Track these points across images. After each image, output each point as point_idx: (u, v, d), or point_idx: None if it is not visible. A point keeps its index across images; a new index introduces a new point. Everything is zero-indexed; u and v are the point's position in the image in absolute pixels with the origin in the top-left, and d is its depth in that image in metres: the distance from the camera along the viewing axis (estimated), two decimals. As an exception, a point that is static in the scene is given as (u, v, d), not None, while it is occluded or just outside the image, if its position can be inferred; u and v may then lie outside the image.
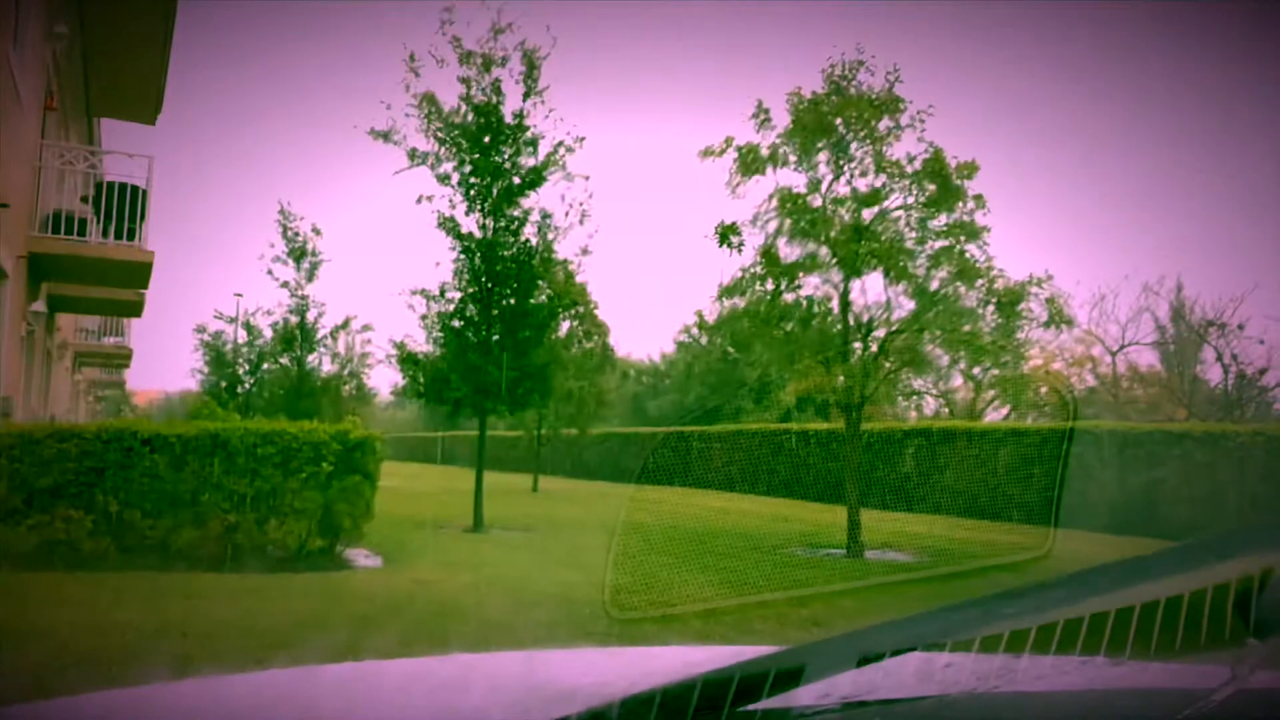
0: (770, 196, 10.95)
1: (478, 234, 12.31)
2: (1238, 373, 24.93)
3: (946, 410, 28.71)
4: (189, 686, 1.39)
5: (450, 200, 12.25)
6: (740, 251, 11.08)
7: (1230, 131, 41.16)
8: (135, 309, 15.47)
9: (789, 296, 11.03)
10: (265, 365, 23.89)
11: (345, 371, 24.10)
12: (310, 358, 22.57)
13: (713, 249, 11.13)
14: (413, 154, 12.11)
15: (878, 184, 10.87)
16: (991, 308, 10.37)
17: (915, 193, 10.74)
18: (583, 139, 12.33)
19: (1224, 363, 25.25)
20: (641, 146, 72.89)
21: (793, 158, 11.03)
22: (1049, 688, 0.99)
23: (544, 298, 12.70)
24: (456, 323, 12.59)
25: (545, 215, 12.42)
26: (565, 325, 20.08)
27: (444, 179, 12.20)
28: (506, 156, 12.16)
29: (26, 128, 9.82)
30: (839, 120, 10.82)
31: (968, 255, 10.40)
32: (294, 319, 22.05)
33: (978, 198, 10.55)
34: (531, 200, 12.35)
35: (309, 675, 1.47)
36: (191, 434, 8.06)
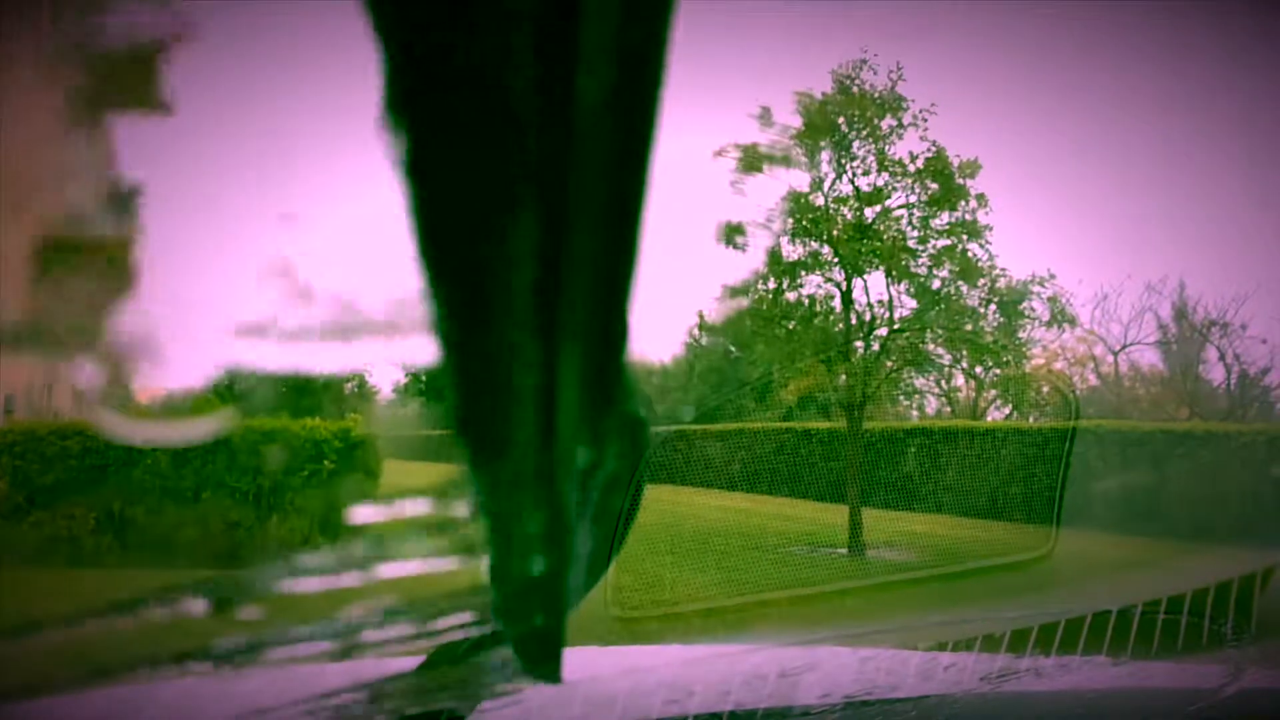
0: (777, 197, 10.97)
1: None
2: (1240, 373, 24.88)
3: (948, 409, 28.67)
4: (191, 683, 1.39)
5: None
6: (745, 251, 11.09)
7: (1234, 130, 41.12)
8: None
9: (791, 295, 11.04)
10: (268, 363, 23.88)
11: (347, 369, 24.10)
12: (312, 355, 22.58)
13: (720, 249, 11.15)
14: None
15: (880, 183, 10.86)
16: (994, 307, 10.39)
17: (917, 191, 10.74)
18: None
19: (1227, 362, 25.19)
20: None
21: (801, 158, 11.04)
22: (1051, 687, 0.99)
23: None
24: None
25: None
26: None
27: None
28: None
29: (33, 125, 9.82)
30: (841, 119, 10.83)
31: (970, 254, 10.41)
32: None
33: (980, 196, 10.54)
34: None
35: (314, 672, 1.47)
36: (194, 431, 8.08)
